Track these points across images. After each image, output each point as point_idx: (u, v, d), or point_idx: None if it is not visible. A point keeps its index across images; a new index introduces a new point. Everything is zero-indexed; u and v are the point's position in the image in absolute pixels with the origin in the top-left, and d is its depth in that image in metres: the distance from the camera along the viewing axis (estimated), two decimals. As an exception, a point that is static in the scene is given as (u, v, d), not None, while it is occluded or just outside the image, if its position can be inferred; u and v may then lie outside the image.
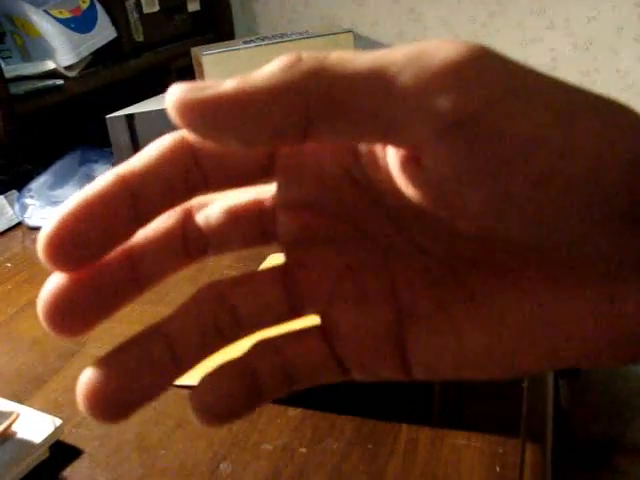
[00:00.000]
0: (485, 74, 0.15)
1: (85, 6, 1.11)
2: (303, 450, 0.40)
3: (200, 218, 0.20)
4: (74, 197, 0.17)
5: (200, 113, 0.15)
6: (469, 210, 0.17)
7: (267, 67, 0.16)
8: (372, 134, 0.16)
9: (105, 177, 0.17)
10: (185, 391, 0.50)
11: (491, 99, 0.15)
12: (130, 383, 0.17)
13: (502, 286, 0.19)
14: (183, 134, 0.18)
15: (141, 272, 0.18)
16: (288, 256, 0.21)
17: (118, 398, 0.17)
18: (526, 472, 0.38)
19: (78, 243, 0.16)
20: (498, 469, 0.38)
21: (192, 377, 0.48)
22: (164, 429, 0.42)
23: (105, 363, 0.17)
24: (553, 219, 0.17)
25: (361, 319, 0.20)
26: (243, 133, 0.16)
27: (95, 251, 0.17)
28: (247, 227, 0.20)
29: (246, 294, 0.20)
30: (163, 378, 0.18)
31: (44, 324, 0.16)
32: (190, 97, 0.15)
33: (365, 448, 0.40)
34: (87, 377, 0.17)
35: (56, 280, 0.17)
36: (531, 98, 0.16)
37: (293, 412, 0.43)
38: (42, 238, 0.16)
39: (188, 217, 0.19)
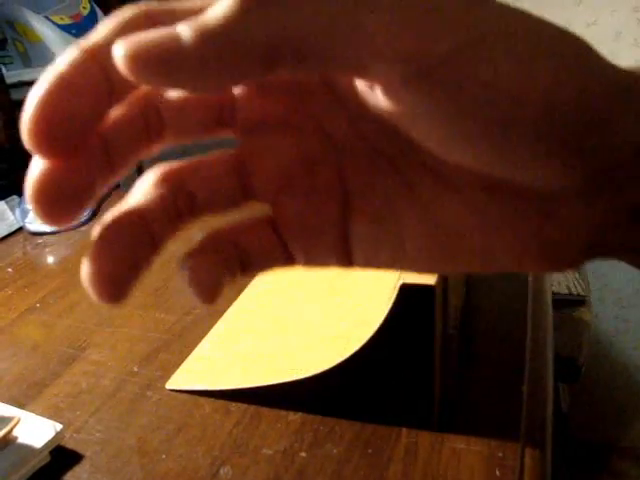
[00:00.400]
0: (452, 19, 0.16)
1: (86, 12, 1.12)
2: (303, 455, 0.40)
3: (161, 101, 0.20)
4: (46, 76, 0.16)
5: (155, 70, 0.15)
6: (423, 138, 0.18)
7: (222, 7, 0.15)
8: (336, 72, 0.16)
9: (72, 54, 0.16)
10: (185, 396, 0.50)
11: (454, 47, 0.15)
12: (128, 264, 0.18)
13: (447, 190, 0.20)
14: (145, 7, 0.17)
15: (113, 154, 0.19)
16: (243, 144, 0.21)
17: (119, 278, 0.18)
18: (526, 476, 0.38)
19: (64, 123, 0.16)
20: (498, 473, 0.38)
21: (190, 381, 0.48)
22: (165, 434, 0.43)
23: (100, 251, 0.18)
24: (503, 153, 0.17)
25: (308, 209, 0.21)
26: (201, 83, 0.15)
27: (80, 130, 0.17)
28: (204, 111, 0.20)
29: (202, 181, 0.21)
30: (148, 254, 0.19)
31: (35, 211, 0.17)
32: (144, 53, 0.14)
33: (365, 452, 0.40)
34: (90, 266, 0.17)
35: (40, 166, 0.17)
36: (494, 45, 0.16)
37: (293, 417, 0.43)
38: (27, 124, 0.16)
39: (149, 99, 0.20)
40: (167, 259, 0.68)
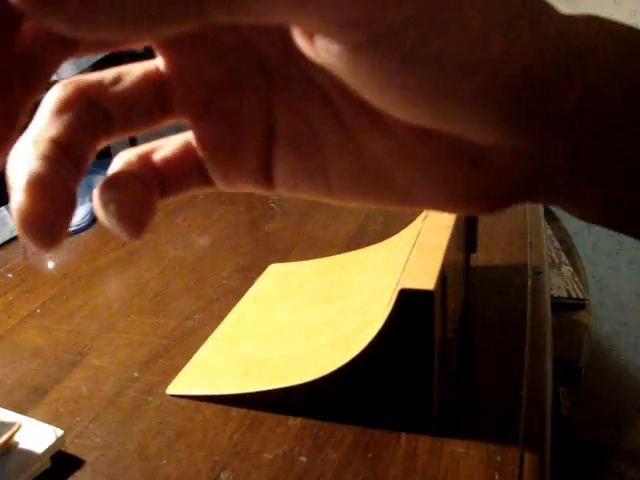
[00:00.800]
0: None
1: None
2: (303, 459, 0.40)
3: None
4: None
5: (66, 11, 0.12)
6: (363, 93, 0.17)
7: None
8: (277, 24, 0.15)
9: None
10: (185, 401, 0.50)
11: (407, 17, 0.15)
12: (60, 200, 0.16)
13: (378, 128, 0.20)
14: None
15: (29, 70, 0.17)
16: (164, 56, 0.20)
17: (54, 217, 0.16)
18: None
19: None
20: (497, 477, 0.38)
21: (190, 386, 0.48)
22: (165, 439, 0.43)
23: (29, 192, 0.16)
24: (445, 115, 0.17)
25: (229, 130, 0.20)
26: (119, 32, 0.12)
27: None
28: None
29: (116, 97, 0.19)
30: (74, 183, 0.17)
31: None
32: None
33: (365, 457, 0.40)
34: (21, 209, 0.16)
35: None
36: (447, 15, 0.15)
37: (293, 421, 0.43)
38: None
39: None
40: (167, 265, 0.69)
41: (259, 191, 0.22)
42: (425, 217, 0.48)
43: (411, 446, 0.41)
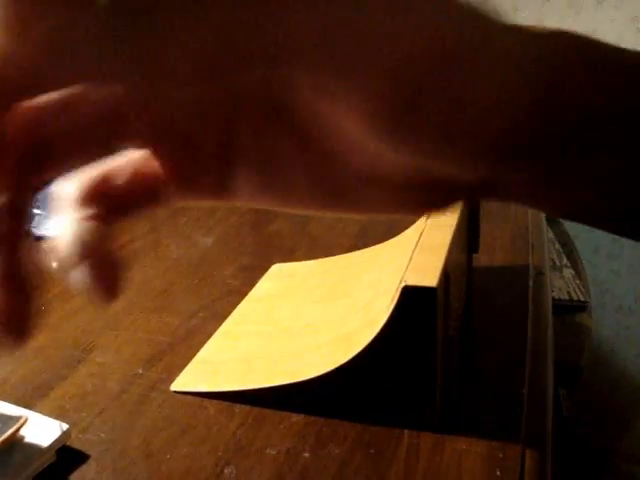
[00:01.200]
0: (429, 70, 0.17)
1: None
2: (306, 455, 0.41)
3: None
4: None
5: None
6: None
7: None
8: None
9: None
10: (189, 398, 0.50)
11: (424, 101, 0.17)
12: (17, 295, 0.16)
13: (347, 152, 0.20)
14: None
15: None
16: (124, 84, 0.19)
17: (15, 315, 0.16)
18: (526, 476, 0.38)
19: None
20: (499, 473, 0.38)
21: (194, 383, 0.49)
22: (169, 434, 0.43)
23: None
24: (443, 158, 0.19)
25: (189, 154, 0.20)
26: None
27: None
28: None
29: (66, 130, 0.18)
30: (23, 244, 0.17)
31: None
32: None
33: (367, 453, 0.40)
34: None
35: None
36: (467, 97, 0.17)
37: (296, 418, 0.44)
38: None
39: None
40: (171, 264, 0.69)
41: (217, 204, 0.22)
42: (428, 217, 0.48)
43: (413, 442, 0.41)
